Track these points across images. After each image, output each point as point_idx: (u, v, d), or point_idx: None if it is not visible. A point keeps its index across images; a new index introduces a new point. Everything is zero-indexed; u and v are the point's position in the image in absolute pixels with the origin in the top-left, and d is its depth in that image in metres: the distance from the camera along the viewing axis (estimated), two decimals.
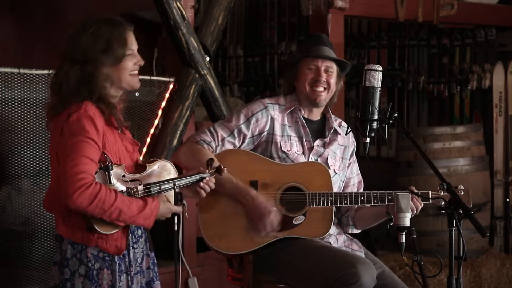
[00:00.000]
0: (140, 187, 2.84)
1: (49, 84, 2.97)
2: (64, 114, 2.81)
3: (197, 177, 3.00)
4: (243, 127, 3.46)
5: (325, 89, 3.49)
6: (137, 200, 2.82)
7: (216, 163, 3.06)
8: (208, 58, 4.89)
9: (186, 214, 3.03)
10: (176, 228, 2.93)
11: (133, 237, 2.92)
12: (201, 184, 3.01)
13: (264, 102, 3.53)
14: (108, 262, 2.85)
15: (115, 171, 2.82)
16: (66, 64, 2.85)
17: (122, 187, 2.81)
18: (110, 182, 2.77)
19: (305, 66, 3.51)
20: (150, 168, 2.94)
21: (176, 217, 2.94)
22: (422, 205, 3.34)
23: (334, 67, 3.53)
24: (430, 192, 3.40)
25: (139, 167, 2.96)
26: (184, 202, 3.04)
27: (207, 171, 3.03)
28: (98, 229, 2.78)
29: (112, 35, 2.85)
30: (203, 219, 3.41)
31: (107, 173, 2.77)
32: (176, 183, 2.93)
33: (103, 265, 2.84)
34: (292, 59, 3.60)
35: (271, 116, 3.49)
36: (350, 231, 3.62)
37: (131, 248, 2.91)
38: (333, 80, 3.51)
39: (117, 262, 2.86)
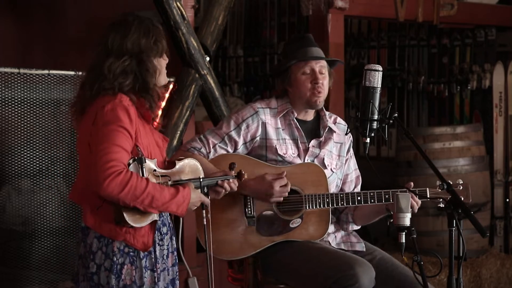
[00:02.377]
0: (170, 183, 2.87)
1: (79, 80, 3.04)
2: (97, 105, 2.83)
3: (223, 177, 3.07)
4: (233, 133, 3.43)
5: (321, 91, 3.46)
6: (169, 187, 2.84)
7: (237, 168, 3.12)
8: (208, 58, 4.88)
9: (204, 220, 3.10)
10: (205, 222, 3.03)
11: (159, 234, 2.92)
12: (225, 184, 3.06)
13: (255, 107, 3.48)
14: (132, 257, 2.85)
15: (147, 165, 2.83)
16: (110, 58, 2.87)
17: (153, 181, 2.83)
18: (142, 175, 2.78)
19: (298, 70, 3.45)
20: (179, 165, 2.96)
21: (204, 210, 3.02)
22: (420, 203, 3.33)
23: (326, 67, 3.49)
24: (427, 190, 3.40)
25: (168, 164, 2.98)
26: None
27: (233, 173, 3.11)
28: (128, 221, 2.76)
29: (158, 30, 2.97)
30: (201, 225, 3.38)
31: (140, 165, 2.78)
32: (203, 182, 2.97)
33: (127, 260, 2.84)
34: (284, 64, 3.50)
35: (262, 121, 3.45)
36: (350, 228, 3.60)
37: (157, 245, 2.91)
38: (326, 81, 3.47)
39: (143, 258, 2.86)
